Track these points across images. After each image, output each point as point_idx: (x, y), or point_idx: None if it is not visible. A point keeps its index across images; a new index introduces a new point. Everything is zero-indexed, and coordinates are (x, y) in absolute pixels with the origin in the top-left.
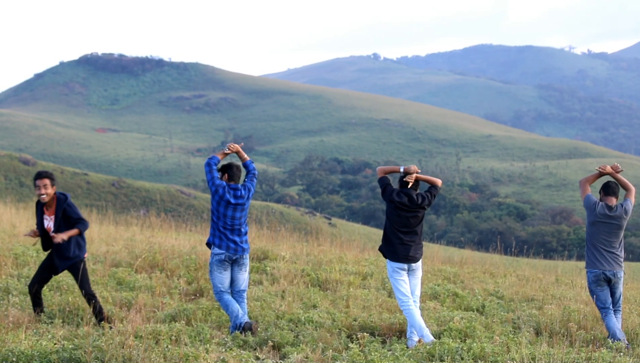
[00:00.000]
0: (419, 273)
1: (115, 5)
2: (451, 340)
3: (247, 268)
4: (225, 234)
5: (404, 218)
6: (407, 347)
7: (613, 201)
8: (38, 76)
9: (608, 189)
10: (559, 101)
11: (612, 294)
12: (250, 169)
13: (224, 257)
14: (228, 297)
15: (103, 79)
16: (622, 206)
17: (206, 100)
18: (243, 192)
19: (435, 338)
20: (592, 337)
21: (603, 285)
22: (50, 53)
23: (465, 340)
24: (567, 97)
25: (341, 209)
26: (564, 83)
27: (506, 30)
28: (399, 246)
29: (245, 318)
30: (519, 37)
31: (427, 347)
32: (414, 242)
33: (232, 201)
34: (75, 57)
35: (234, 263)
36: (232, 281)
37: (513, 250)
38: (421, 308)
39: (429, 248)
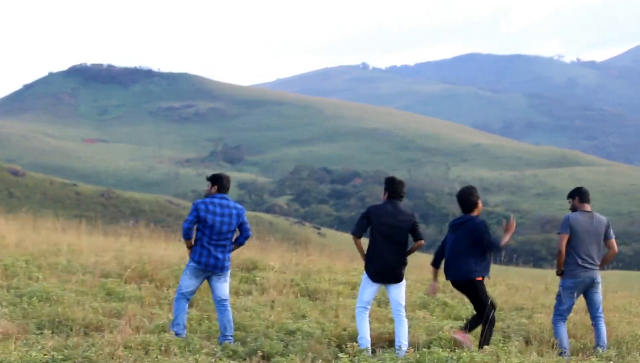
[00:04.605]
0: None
1: (104, 16)
2: (441, 349)
3: (227, 279)
4: (209, 249)
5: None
6: (397, 357)
7: (589, 208)
8: (27, 87)
9: (584, 196)
10: (548, 109)
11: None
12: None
13: (202, 268)
14: (184, 303)
15: (92, 89)
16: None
17: (195, 110)
18: (232, 211)
19: (424, 347)
20: (582, 346)
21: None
22: (40, 64)
23: (454, 349)
24: (557, 106)
25: (330, 219)
26: (554, 92)
27: (496, 40)
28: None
29: (180, 331)
30: (508, 46)
31: (417, 356)
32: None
33: (218, 210)
34: (65, 67)
35: (212, 274)
36: (212, 291)
37: (502, 258)
38: (410, 318)
39: (419, 258)
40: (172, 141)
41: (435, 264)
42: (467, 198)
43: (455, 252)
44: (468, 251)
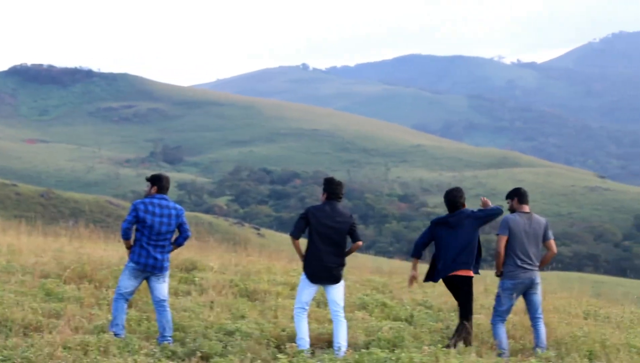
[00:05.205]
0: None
1: (44, 16)
2: (380, 350)
3: (166, 279)
4: (148, 250)
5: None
6: (336, 357)
7: (527, 209)
8: None
9: (523, 197)
10: (488, 110)
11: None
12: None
13: (140, 268)
14: (123, 304)
15: (32, 90)
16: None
17: (135, 111)
18: (172, 212)
19: (363, 348)
20: (521, 347)
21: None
22: None
23: (394, 350)
24: (497, 107)
25: (270, 220)
26: (494, 93)
27: (436, 41)
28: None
29: (119, 331)
30: (448, 47)
31: (356, 356)
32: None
33: (157, 210)
34: (5, 68)
35: (151, 274)
36: (151, 291)
37: None
38: (349, 319)
39: (358, 259)
40: (111, 142)
41: (418, 254)
42: (454, 199)
43: (463, 247)
44: (474, 246)
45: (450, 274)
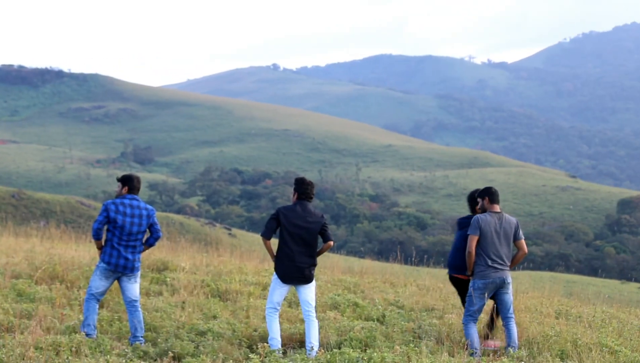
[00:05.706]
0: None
1: (14, 16)
2: (351, 349)
3: (138, 279)
4: (119, 250)
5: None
6: (307, 357)
7: (498, 209)
8: None
9: (494, 197)
10: (458, 110)
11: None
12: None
13: (111, 268)
14: (94, 304)
15: (2, 90)
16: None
17: (105, 111)
18: (143, 212)
19: (335, 348)
20: (493, 346)
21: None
22: None
23: (365, 349)
24: (467, 107)
25: (241, 220)
26: (464, 93)
27: (406, 41)
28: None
29: (91, 331)
30: (418, 47)
31: (328, 356)
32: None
33: (128, 211)
34: None
35: (122, 275)
36: (123, 291)
37: (413, 259)
38: (321, 319)
39: (329, 258)
40: (82, 142)
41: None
42: (469, 199)
43: (455, 252)
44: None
45: (450, 275)
